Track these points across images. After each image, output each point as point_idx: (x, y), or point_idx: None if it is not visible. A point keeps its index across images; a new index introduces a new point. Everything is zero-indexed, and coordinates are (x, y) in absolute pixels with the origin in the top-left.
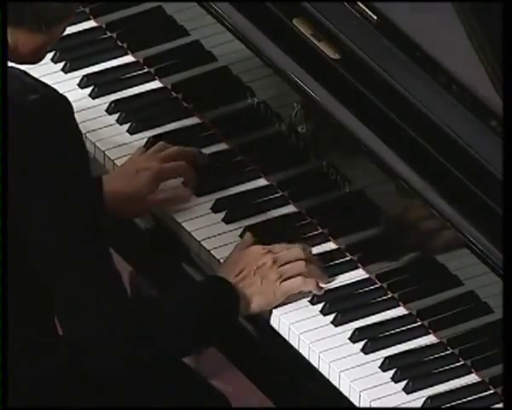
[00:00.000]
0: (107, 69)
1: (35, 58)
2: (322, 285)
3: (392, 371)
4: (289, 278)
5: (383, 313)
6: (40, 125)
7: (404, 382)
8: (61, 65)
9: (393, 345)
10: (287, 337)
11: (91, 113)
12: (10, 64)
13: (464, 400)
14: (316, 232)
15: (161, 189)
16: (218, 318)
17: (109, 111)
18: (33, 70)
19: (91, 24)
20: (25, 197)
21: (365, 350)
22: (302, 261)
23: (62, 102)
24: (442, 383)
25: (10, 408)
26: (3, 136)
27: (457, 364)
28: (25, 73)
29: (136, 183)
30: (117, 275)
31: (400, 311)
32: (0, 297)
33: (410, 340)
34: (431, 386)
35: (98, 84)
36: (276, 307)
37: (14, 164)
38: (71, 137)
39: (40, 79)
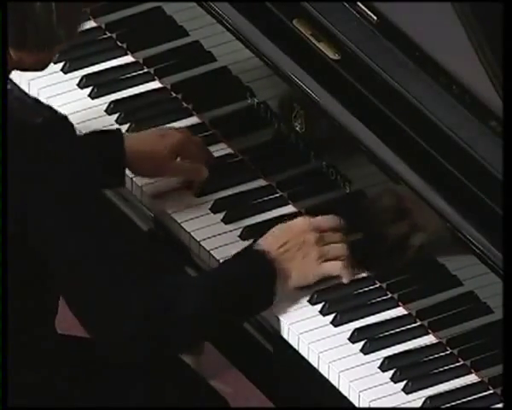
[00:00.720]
0: (106, 69)
1: (40, 68)
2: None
3: (391, 372)
4: (329, 259)
5: (383, 314)
6: (48, 148)
7: (404, 382)
8: (61, 65)
9: (393, 345)
10: (286, 337)
11: (91, 113)
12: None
13: (464, 400)
14: None
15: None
16: (258, 291)
17: (109, 111)
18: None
19: (91, 24)
20: (42, 217)
21: (365, 350)
22: (344, 245)
23: (66, 123)
24: (441, 383)
25: (10, 408)
26: (3, 135)
27: (457, 364)
28: (23, 92)
29: (158, 145)
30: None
31: (400, 311)
32: (0, 297)
33: (409, 340)
34: (430, 386)
35: (98, 85)
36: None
37: (22, 184)
38: (78, 155)
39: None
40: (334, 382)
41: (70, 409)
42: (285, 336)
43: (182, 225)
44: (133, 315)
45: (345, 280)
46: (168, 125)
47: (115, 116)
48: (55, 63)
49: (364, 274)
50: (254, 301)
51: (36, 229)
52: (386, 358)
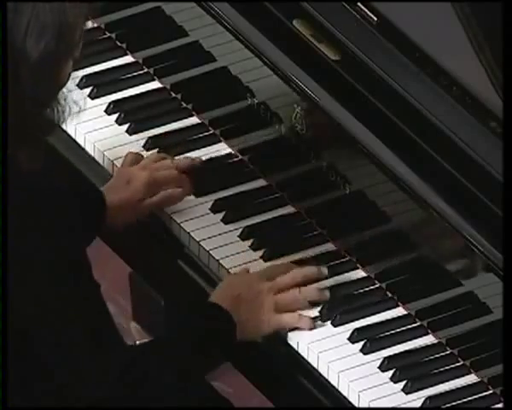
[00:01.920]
0: (106, 69)
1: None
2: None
3: (391, 372)
4: (285, 309)
5: (382, 314)
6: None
7: (404, 382)
8: None
9: (392, 345)
10: (286, 338)
11: (90, 113)
12: None
13: (463, 400)
14: (315, 233)
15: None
16: (215, 346)
17: (108, 111)
18: None
19: (90, 24)
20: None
21: (364, 350)
22: (300, 296)
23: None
24: (441, 383)
25: (10, 408)
26: (3, 135)
27: (456, 364)
28: None
29: (126, 193)
30: (114, 328)
31: (399, 311)
32: (0, 297)
33: (409, 340)
34: (430, 386)
35: (97, 85)
36: None
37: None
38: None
39: None
40: (333, 382)
41: (74, 409)
42: (284, 336)
43: (181, 225)
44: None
45: (304, 327)
46: (166, 127)
47: (115, 116)
48: None
49: (364, 274)
50: (214, 356)
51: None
52: (385, 358)
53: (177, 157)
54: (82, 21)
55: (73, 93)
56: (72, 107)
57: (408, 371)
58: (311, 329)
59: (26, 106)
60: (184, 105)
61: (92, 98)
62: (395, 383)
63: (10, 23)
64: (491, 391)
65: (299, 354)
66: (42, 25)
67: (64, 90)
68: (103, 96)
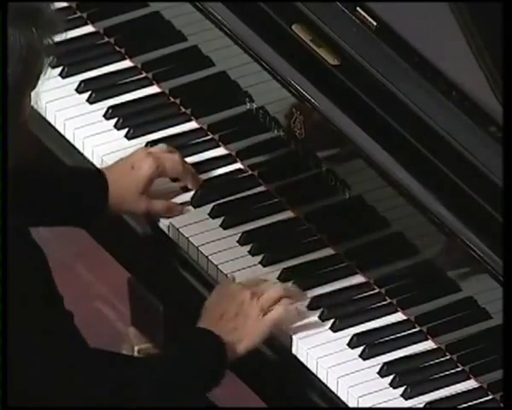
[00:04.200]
0: (104, 74)
1: None
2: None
3: (390, 377)
4: (269, 308)
5: (382, 319)
6: None
7: (403, 388)
8: (59, 70)
9: (392, 351)
10: (285, 343)
11: (89, 118)
12: None
13: (463, 406)
14: (314, 238)
15: (156, 192)
16: (209, 372)
17: (107, 116)
18: None
19: (89, 29)
20: None
21: (364, 356)
22: (279, 287)
23: None
24: (441, 389)
25: (10, 408)
26: (3, 135)
27: (456, 370)
28: None
29: (130, 178)
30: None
31: (399, 316)
32: (0, 297)
33: (408, 346)
34: (429, 392)
35: (96, 90)
36: None
37: None
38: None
39: None
40: (332, 387)
41: (71, 409)
42: (283, 341)
43: (180, 230)
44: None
45: (295, 319)
46: (164, 132)
47: (113, 121)
48: (53, 68)
49: (363, 279)
50: (207, 381)
51: None
52: (385, 363)
53: None
54: (45, 53)
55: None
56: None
57: (407, 376)
58: (300, 317)
59: None
60: (183, 110)
61: (91, 103)
62: (394, 388)
63: None
64: (490, 397)
65: (298, 360)
66: (9, 48)
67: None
68: (102, 100)
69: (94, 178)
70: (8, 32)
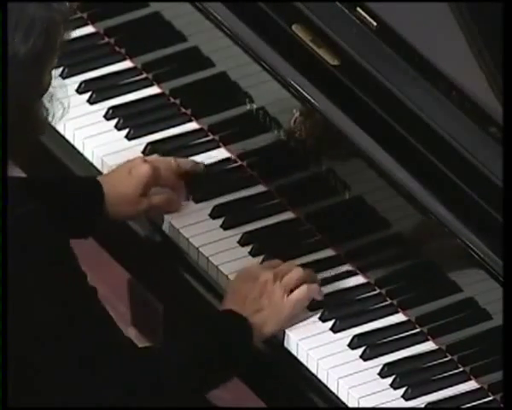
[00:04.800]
0: (105, 75)
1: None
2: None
3: (391, 378)
4: (294, 288)
5: (382, 320)
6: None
7: (404, 388)
8: (59, 70)
9: (392, 352)
10: (285, 344)
11: (89, 119)
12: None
13: (463, 406)
14: (314, 239)
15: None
16: (236, 355)
17: (107, 117)
18: None
19: (89, 29)
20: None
21: (364, 357)
22: (301, 269)
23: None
24: (441, 389)
25: (10, 408)
26: (3, 135)
27: (456, 370)
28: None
29: (127, 183)
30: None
31: (399, 317)
32: (0, 297)
33: (409, 347)
34: (430, 393)
35: (96, 90)
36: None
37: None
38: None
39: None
40: (333, 388)
41: (71, 409)
42: (284, 342)
43: (180, 230)
44: (118, 396)
45: (318, 297)
46: (165, 132)
47: (114, 122)
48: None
49: (364, 280)
50: (234, 364)
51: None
52: (385, 364)
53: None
54: (66, 24)
55: (58, 91)
56: (57, 107)
57: (408, 377)
58: (321, 296)
59: (11, 105)
60: (183, 110)
61: (91, 103)
62: (395, 389)
63: None
64: (491, 398)
65: (299, 361)
66: (30, 20)
67: (51, 89)
68: (102, 101)
69: (88, 189)
70: (28, 6)
